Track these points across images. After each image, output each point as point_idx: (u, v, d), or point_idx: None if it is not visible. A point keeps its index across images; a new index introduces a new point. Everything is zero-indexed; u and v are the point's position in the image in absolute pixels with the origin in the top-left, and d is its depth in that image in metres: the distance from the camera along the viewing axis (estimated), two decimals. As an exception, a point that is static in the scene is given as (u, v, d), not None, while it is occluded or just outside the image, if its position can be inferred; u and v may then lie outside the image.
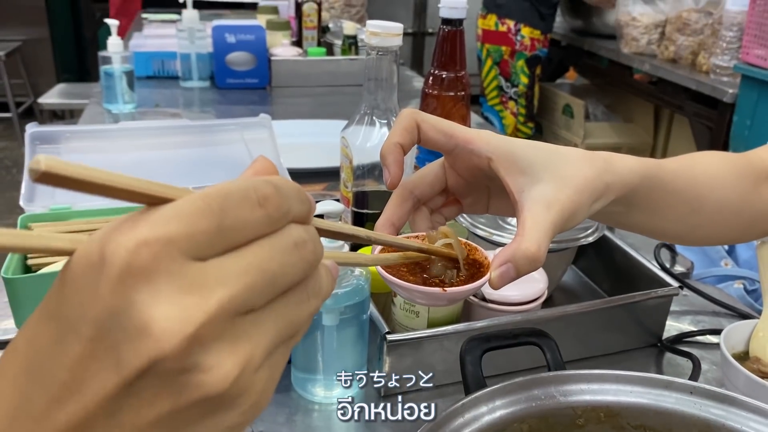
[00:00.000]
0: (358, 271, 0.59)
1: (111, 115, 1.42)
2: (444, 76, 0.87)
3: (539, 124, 2.86)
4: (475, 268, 0.40)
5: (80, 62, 4.44)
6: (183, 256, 0.22)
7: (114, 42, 1.39)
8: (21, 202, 0.78)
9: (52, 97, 2.75)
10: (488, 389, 0.41)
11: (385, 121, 0.68)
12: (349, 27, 1.76)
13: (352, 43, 1.77)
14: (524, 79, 2.50)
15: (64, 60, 4.20)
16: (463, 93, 0.88)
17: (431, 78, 0.88)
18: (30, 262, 0.72)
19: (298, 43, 1.82)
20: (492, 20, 2.50)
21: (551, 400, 0.42)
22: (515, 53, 2.48)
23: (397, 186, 0.42)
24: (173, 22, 2.41)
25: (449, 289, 0.38)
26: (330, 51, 1.83)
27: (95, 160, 0.87)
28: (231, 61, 1.64)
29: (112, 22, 1.39)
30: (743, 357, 0.65)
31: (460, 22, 0.85)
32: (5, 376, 0.24)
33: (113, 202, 0.80)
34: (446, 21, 0.84)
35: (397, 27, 0.66)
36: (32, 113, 4.01)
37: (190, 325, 0.21)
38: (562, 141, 2.72)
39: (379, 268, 0.40)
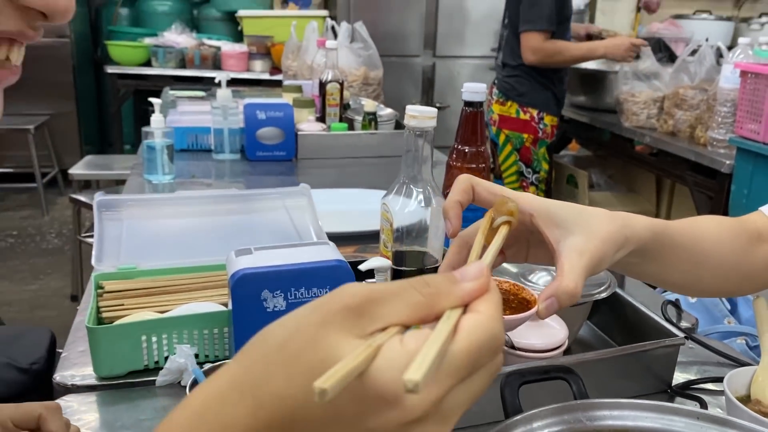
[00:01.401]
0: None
1: (151, 185, 1.54)
2: (466, 150, 0.98)
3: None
4: (523, 305, 0.49)
5: (102, 135, 4.63)
6: (444, 401, 0.31)
7: (156, 119, 1.52)
8: (93, 262, 0.87)
9: (81, 167, 2.88)
10: (526, 413, 0.49)
11: (421, 190, 0.78)
12: (369, 105, 1.90)
13: (371, 119, 1.90)
14: (545, 166, 2.60)
15: (88, 133, 4.39)
16: (483, 165, 0.98)
17: (455, 152, 0.99)
18: (103, 315, 0.81)
19: (321, 118, 1.96)
20: (513, 108, 2.60)
21: (579, 424, 0.50)
22: (538, 141, 2.58)
23: (456, 236, 0.52)
24: (201, 98, 2.58)
25: (506, 317, 0.47)
26: (351, 126, 1.96)
27: (154, 225, 0.97)
28: (261, 136, 1.77)
29: (156, 101, 1.52)
30: (745, 400, 0.72)
31: (480, 104, 0.96)
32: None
33: (173, 262, 0.90)
34: (468, 103, 0.95)
35: (431, 111, 0.77)
36: (56, 183, 4.17)
37: None
38: (569, 209, 2.82)
39: None
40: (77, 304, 2.63)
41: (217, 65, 3.99)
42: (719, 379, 0.80)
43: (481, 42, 4.26)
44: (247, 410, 0.32)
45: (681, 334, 0.77)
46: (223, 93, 1.76)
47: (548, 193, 2.68)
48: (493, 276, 0.80)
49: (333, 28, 2.59)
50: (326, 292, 0.72)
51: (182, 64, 3.93)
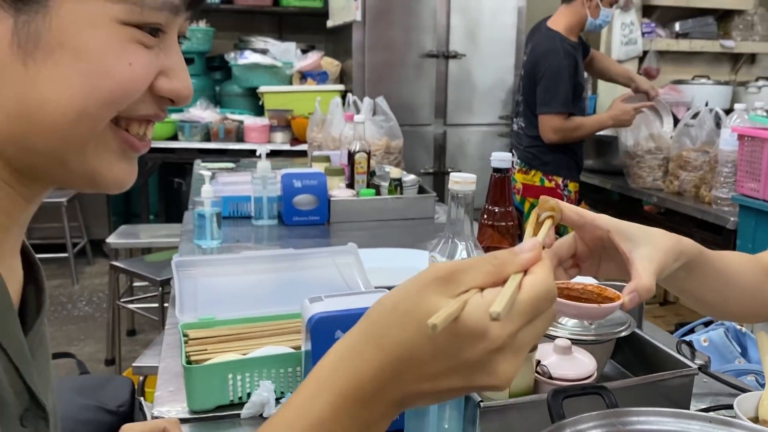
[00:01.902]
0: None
1: (201, 249, 1.68)
2: (496, 210, 1.12)
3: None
4: (608, 300, 0.63)
5: (127, 206, 4.82)
6: (516, 336, 0.43)
7: (207, 189, 1.67)
8: (176, 314, 1.00)
9: (115, 237, 3.04)
10: (571, 418, 0.60)
11: (464, 244, 0.92)
12: (395, 172, 2.05)
13: (397, 185, 2.05)
14: (570, 230, 2.71)
15: (115, 204, 4.58)
16: (511, 223, 1.12)
17: (486, 212, 1.12)
18: (191, 358, 0.93)
19: (351, 185, 2.11)
20: (537, 177, 2.73)
21: (613, 428, 0.61)
22: None
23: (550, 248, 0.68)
24: (231, 169, 2.76)
25: (603, 305, 0.60)
26: (378, 191, 2.11)
27: (223, 281, 1.10)
28: (297, 202, 1.92)
29: (206, 174, 1.68)
30: (754, 420, 0.82)
31: (507, 170, 1.10)
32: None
33: (246, 313, 1.02)
34: (496, 170, 1.10)
35: (471, 177, 0.91)
36: (85, 253, 4.32)
37: (514, 373, 0.44)
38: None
39: None
40: (114, 366, 2.74)
41: (240, 138, 4.20)
42: (731, 407, 0.91)
43: (488, 110, 4.44)
44: (373, 355, 0.44)
45: (694, 365, 0.88)
46: (263, 165, 1.92)
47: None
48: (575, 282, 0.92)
49: (355, 102, 2.78)
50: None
51: (207, 137, 4.15)
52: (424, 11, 4.18)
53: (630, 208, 2.89)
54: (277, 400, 0.86)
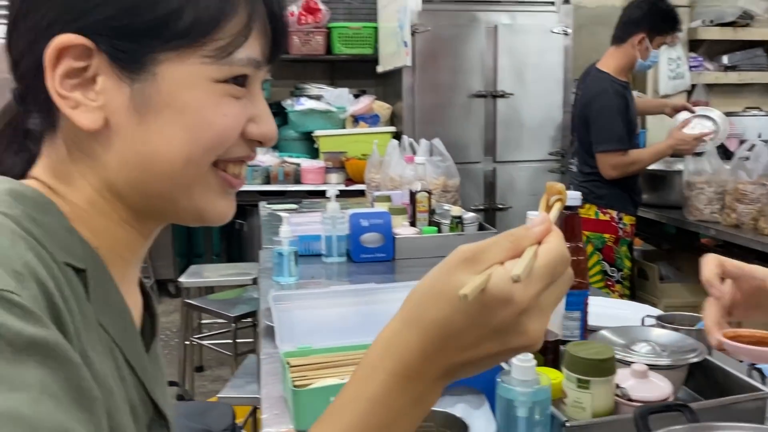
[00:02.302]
0: (544, 378, 0.87)
1: (279, 285, 1.79)
2: (567, 246, 1.19)
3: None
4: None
5: (189, 247, 5.02)
6: (539, 298, 0.49)
7: (285, 229, 1.80)
8: (277, 343, 1.10)
9: (186, 276, 3.19)
10: (661, 430, 0.67)
11: (543, 277, 1.00)
12: (455, 210, 2.15)
13: (458, 222, 2.15)
14: (627, 263, 2.75)
15: (180, 245, 4.78)
16: (582, 258, 1.19)
17: (557, 248, 1.20)
18: (295, 383, 1.03)
19: (413, 223, 2.21)
20: (592, 210, 2.77)
21: (698, 440, 0.68)
22: (619, 240, 2.74)
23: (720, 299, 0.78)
24: (294, 210, 2.90)
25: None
26: (439, 228, 2.21)
27: (315, 314, 1.21)
28: (364, 240, 2.03)
29: (285, 215, 1.80)
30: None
31: (576, 207, 1.18)
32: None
33: (340, 342, 1.12)
34: (567, 207, 1.18)
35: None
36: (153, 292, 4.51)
37: (542, 332, 0.49)
38: (641, 302, 2.95)
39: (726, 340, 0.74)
40: (184, 402, 2.86)
41: (297, 180, 4.37)
42: (805, 429, 0.95)
43: (537, 147, 4.49)
44: (415, 336, 0.49)
45: (766, 389, 0.93)
46: (333, 206, 2.04)
47: (632, 289, 2.80)
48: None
49: (411, 144, 2.90)
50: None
51: (267, 180, 4.33)
52: (471, 53, 4.31)
53: (687, 241, 2.90)
54: (375, 421, 0.94)
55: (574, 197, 1.15)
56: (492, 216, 4.77)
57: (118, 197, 0.56)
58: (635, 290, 2.86)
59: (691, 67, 5.25)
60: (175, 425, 0.64)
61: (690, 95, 5.31)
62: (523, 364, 0.84)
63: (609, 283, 2.75)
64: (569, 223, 1.18)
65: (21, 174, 0.57)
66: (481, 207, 4.65)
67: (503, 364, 0.96)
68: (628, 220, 2.76)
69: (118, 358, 0.55)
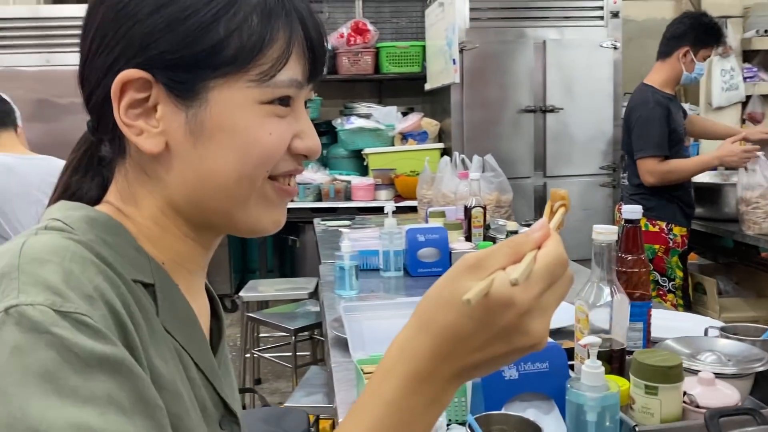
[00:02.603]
0: (612, 385, 0.91)
1: (341, 298, 1.85)
2: (628, 258, 1.22)
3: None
4: None
5: (244, 262, 5.16)
6: (540, 299, 0.51)
7: (346, 244, 1.86)
8: (351, 351, 1.16)
9: (246, 291, 3.29)
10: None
11: (608, 287, 1.03)
12: (511, 225, 2.18)
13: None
14: (679, 273, 2.78)
15: (235, 261, 4.92)
16: (644, 269, 1.22)
17: (619, 261, 1.23)
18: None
19: (468, 238, 2.25)
20: (641, 222, 2.81)
21: (768, 443, 0.70)
22: (669, 250, 2.77)
23: None
24: (348, 226, 2.97)
25: None
26: (494, 243, 2.24)
27: (382, 323, 1.26)
28: (421, 255, 2.08)
29: (344, 231, 1.87)
30: None
31: (637, 221, 1.21)
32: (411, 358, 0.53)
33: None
34: (628, 221, 1.21)
35: (613, 228, 1.03)
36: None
37: (545, 331, 0.52)
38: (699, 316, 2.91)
39: None
40: (262, 408, 2.94)
41: (348, 197, 4.46)
42: None
43: (588, 161, 4.47)
44: (426, 341, 0.52)
45: (836, 399, 0.94)
46: (390, 221, 2.10)
47: (686, 300, 2.81)
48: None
49: (463, 160, 2.95)
50: (545, 366, 0.96)
51: (319, 197, 4.43)
52: (520, 69, 4.33)
53: (745, 255, 2.86)
54: (447, 425, 0.99)
55: (633, 210, 1.18)
56: (542, 231, 4.73)
57: (179, 214, 0.62)
58: (690, 302, 2.84)
59: (745, 78, 5.16)
60: (244, 422, 0.69)
61: (745, 107, 5.21)
62: (591, 370, 0.88)
63: (661, 292, 2.78)
64: (630, 235, 1.21)
65: (97, 198, 0.64)
66: (531, 222, 4.64)
67: (571, 372, 0.99)
68: (678, 231, 2.79)
69: (186, 362, 0.60)
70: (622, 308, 1.03)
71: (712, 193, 2.99)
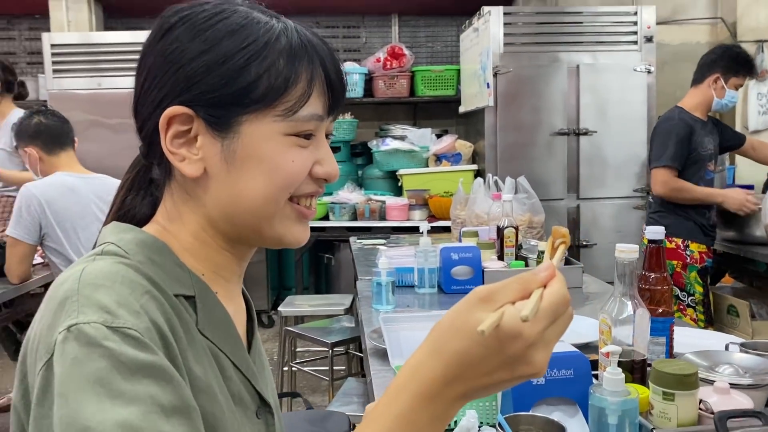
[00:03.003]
0: (632, 391, 0.98)
1: (377, 312, 1.94)
2: (652, 276, 1.29)
3: (706, 324, 3.10)
4: None
5: (280, 279, 5.29)
6: (544, 333, 0.58)
7: (383, 261, 1.96)
8: (390, 358, 1.25)
9: (284, 306, 3.41)
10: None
11: (629, 302, 1.11)
12: (542, 245, 2.25)
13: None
14: (699, 288, 2.87)
15: (272, 277, 5.05)
16: (666, 287, 1.29)
17: (642, 279, 1.30)
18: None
19: (500, 257, 2.33)
20: None
21: (772, 442, 0.77)
22: (687, 266, 2.88)
23: None
24: (383, 244, 3.07)
25: None
26: (526, 263, 2.31)
27: (419, 334, 1.35)
28: (455, 273, 2.16)
29: (382, 248, 1.96)
30: None
31: (660, 241, 1.29)
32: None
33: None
34: (651, 241, 1.28)
35: (634, 247, 1.11)
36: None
37: (546, 362, 0.58)
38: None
39: None
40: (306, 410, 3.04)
41: (382, 216, 4.56)
42: None
43: (622, 184, 4.49)
44: (439, 364, 0.57)
45: None
46: (425, 240, 2.19)
47: (708, 315, 2.86)
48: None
49: (496, 182, 3.03)
50: (570, 373, 1.04)
51: (354, 216, 4.55)
52: (553, 92, 4.41)
53: (778, 278, 2.87)
54: (479, 427, 1.07)
55: (656, 231, 1.26)
56: (576, 252, 4.78)
57: (216, 229, 0.71)
58: (712, 317, 2.90)
59: (781, 101, 5.15)
60: (279, 411, 0.79)
61: (782, 130, 5.18)
62: (613, 377, 0.95)
63: (681, 306, 2.89)
64: (653, 254, 1.28)
65: (148, 216, 0.74)
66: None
67: (594, 380, 1.07)
68: (695, 247, 2.89)
69: (223, 361, 0.69)
70: (643, 322, 1.11)
71: (741, 217, 3.02)
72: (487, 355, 0.56)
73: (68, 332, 0.57)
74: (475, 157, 4.93)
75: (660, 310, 1.25)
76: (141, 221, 0.74)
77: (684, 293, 2.88)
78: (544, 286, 0.57)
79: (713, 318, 2.93)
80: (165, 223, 0.72)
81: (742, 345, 1.26)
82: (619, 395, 0.94)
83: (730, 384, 1.02)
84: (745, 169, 5.02)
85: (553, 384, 1.02)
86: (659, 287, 1.28)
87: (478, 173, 4.57)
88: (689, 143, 2.89)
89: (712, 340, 1.48)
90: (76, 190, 2.49)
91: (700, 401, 0.99)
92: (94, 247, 0.71)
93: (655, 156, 2.93)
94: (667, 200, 2.92)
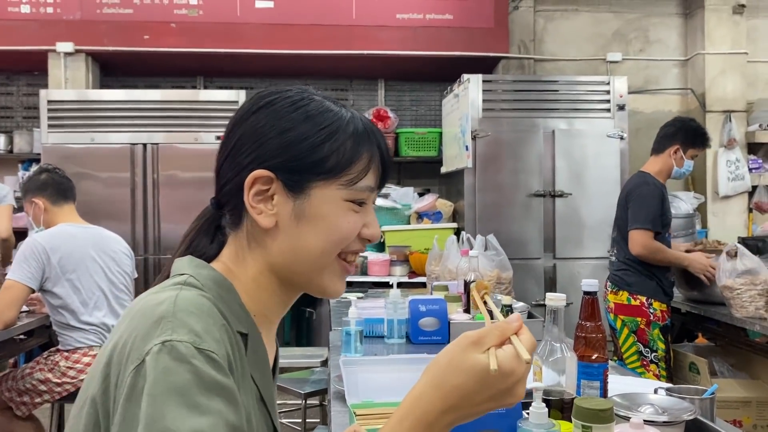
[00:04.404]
0: (557, 424, 1.09)
1: (346, 359, 2.04)
2: (587, 325, 1.41)
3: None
4: None
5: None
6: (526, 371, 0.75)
7: (353, 311, 2.07)
8: (346, 396, 1.36)
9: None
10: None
11: (558, 345, 1.23)
12: (506, 299, 2.37)
13: (508, 310, 2.36)
14: (661, 345, 3.00)
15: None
16: (600, 335, 1.41)
17: (579, 327, 1.42)
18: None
19: (467, 310, 2.44)
20: (624, 296, 3.08)
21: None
22: (650, 323, 3.01)
23: None
24: (361, 298, 3.18)
25: None
26: (491, 316, 2.42)
27: (376, 377, 1.46)
28: (422, 324, 2.27)
29: (353, 299, 2.08)
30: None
31: (594, 293, 1.41)
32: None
33: (395, 399, 1.36)
34: (586, 292, 1.41)
35: (562, 296, 1.24)
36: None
37: (524, 392, 0.75)
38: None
39: None
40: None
41: (364, 271, 4.67)
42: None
43: (596, 245, 4.64)
44: (437, 397, 0.72)
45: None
46: (395, 292, 2.31)
47: (669, 372, 2.96)
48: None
49: (468, 239, 3.17)
50: (503, 408, 1.15)
51: (336, 271, 4.65)
52: (530, 156, 4.61)
53: (736, 338, 2.99)
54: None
55: (591, 284, 1.39)
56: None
57: (275, 274, 0.85)
58: (672, 374, 3.01)
59: (750, 169, 5.38)
60: None
61: (751, 196, 5.40)
62: (537, 410, 1.07)
63: (644, 362, 2.99)
64: (589, 305, 1.41)
65: (214, 255, 0.87)
66: (542, 302, 4.78)
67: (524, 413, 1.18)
68: (657, 305, 3.03)
69: (257, 396, 0.81)
70: (572, 364, 1.22)
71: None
72: (481, 388, 0.71)
73: (163, 346, 0.69)
74: (455, 216, 5.08)
75: (594, 356, 1.37)
76: (208, 260, 0.86)
77: (647, 349, 3.00)
78: (516, 333, 0.74)
79: (675, 374, 3.03)
80: (230, 264, 0.85)
81: (667, 389, 1.38)
82: (542, 427, 1.05)
83: (648, 420, 1.13)
84: (717, 233, 5.21)
85: (488, 417, 1.13)
86: (594, 335, 1.39)
87: (458, 231, 4.72)
88: (663, 208, 3.07)
89: (649, 387, 1.59)
90: (77, 238, 2.77)
91: (618, 436, 1.10)
92: (168, 275, 0.84)
93: (635, 218, 3.06)
94: (642, 260, 3.05)
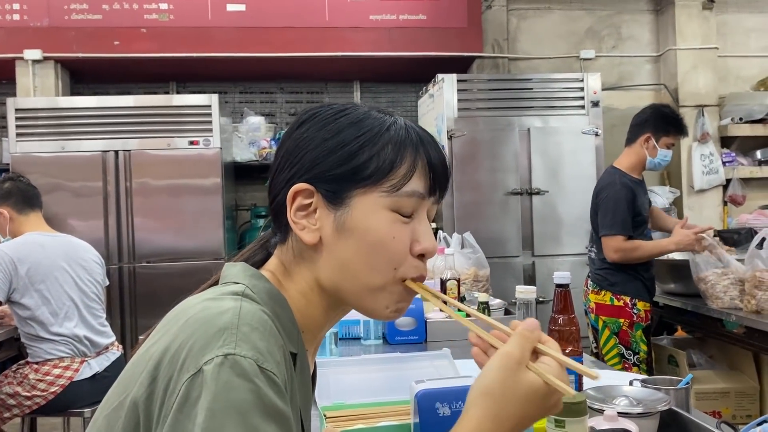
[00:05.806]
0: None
1: (317, 360, 2.01)
2: (560, 318, 1.40)
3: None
4: None
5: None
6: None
7: (326, 312, 2.04)
8: (317, 400, 1.32)
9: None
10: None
11: (531, 340, 1.21)
12: (482, 296, 2.35)
13: (485, 307, 2.34)
14: (643, 347, 2.90)
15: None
16: (574, 328, 1.39)
17: (552, 320, 1.40)
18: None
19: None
20: (607, 296, 2.97)
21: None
22: (633, 324, 2.91)
23: None
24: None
25: None
26: (467, 314, 2.40)
27: (348, 378, 1.43)
28: (399, 324, 2.24)
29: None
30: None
31: (567, 285, 1.40)
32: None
33: (366, 399, 1.33)
34: (559, 285, 1.40)
35: (532, 288, 1.22)
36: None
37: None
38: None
39: None
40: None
41: (343, 274, 4.63)
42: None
43: (575, 241, 4.64)
44: (496, 425, 0.72)
45: (726, 435, 1.10)
46: (370, 292, 2.28)
47: (650, 373, 2.91)
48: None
49: (445, 238, 3.15)
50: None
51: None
52: (506, 154, 4.61)
53: (713, 329, 3.00)
54: (393, 460, 1.14)
55: (563, 276, 1.37)
56: (533, 308, 4.85)
57: (322, 290, 0.81)
58: (654, 375, 2.96)
59: (724, 162, 5.43)
60: None
61: (726, 189, 5.45)
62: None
63: (627, 365, 2.89)
64: (561, 297, 1.39)
65: (260, 263, 0.85)
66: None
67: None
68: (641, 306, 2.93)
69: (299, 421, 0.78)
70: (545, 358, 1.20)
71: (679, 270, 3.17)
72: (537, 408, 0.72)
73: (225, 359, 0.65)
74: (435, 216, 5.06)
75: (569, 350, 1.35)
76: (255, 264, 0.84)
77: (630, 352, 2.90)
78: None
79: (654, 368, 3.00)
80: (278, 275, 0.82)
81: (642, 381, 1.36)
82: (514, 423, 1.03)
83: (622, 413, 1.11)
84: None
85: (458, 416, 1.11)
86: (567, 328, 1.38)
87: (436, 231, 4.70)
88: (634, 208, 2.94)
89: (625, 380, 1.57)
90: (46, 247, 2.69)
91: (592, 429, 1.08)
92: (218, 281, 0.82)
93: (604, 225, 2.95)
94: (619, 262, 2.93)
